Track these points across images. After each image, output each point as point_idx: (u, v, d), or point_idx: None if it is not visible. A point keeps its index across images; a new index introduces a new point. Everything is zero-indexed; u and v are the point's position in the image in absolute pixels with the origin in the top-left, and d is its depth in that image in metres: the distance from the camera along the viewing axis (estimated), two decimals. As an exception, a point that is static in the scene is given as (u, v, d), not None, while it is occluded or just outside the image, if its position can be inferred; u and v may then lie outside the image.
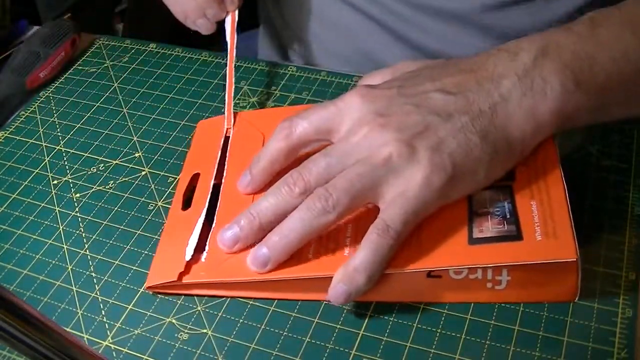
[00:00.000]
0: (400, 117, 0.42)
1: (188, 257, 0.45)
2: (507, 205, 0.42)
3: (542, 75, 0.42)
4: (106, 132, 0.57)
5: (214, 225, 0.46)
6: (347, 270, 0.40)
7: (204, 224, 0.47)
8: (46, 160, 0.56)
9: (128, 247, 0.48)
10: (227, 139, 0.53)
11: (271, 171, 0.46)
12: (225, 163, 0.50)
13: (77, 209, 0.51)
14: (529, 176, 0.43)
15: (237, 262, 0.44)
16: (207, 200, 0.48)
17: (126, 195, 0.52)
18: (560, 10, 0.57)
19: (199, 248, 0.45)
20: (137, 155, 0.55)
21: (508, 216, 0.42)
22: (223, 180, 0.49)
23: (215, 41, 0.84)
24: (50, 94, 0.62)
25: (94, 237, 0.49)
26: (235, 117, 0.54)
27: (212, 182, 0.49)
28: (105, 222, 0.50)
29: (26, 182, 0.54)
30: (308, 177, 0.42)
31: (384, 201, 0.41)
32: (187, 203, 0.49)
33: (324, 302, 0.43)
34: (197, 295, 0.45)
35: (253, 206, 0.43)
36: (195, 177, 0.51)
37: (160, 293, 0.45)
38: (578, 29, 0.44)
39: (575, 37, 0.44)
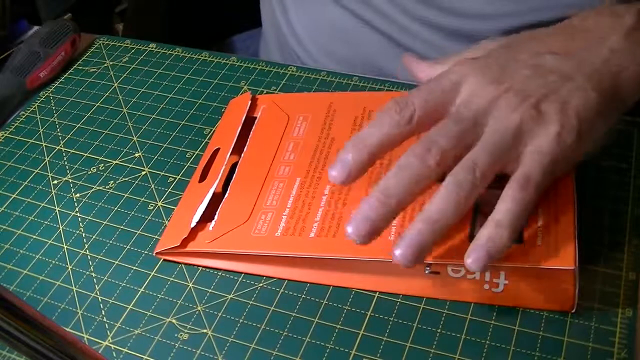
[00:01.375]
0: (521, 82, 0.42)
1: (193, 224, 0.46)
2: None
3: None
4: (106, 132, 0.57)
5: (226, 196, 0.48)
6: (486, 230, 0.38)
7: (218, 195, 0.48)
8: (46, 160, 0.56)
9: (128, 247, 0.48)
10: (252, 118, 0.54)
11: (375, 160, 0.41)
12: (248, 140, 0.52)
13: (77, 209, 0.51)
14: None
15: (243, 232, 0.45)
16: (221, 172, 0.49)
17: (126, 195, 0.52)
18: None
19: (209, 217, 0.47)
20: (137, 155, 0.55)
21: None
22: (242, 156, 0.51)
23: (215, 41, 0.84)
24: (50, 94, 0.62)
25: (94, 237, 0.49)
26: (263, 99, 0.56)
27: (228, 155, 0.51)
28: (105, 222, 0.50)
29: (26, 182, 0.54)
30: (443, 145, 0.39)
31: (518, 162, 0.40)
32: (204, 176, 0.51)
33: (329, 285, 0.44)
34: (203, 267, 0.46)
35: (380, 187, 0.39)
36: (215, 152, 0.52)
37: (168, 260, 0.47)
38: None
39: None
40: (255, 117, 0.54)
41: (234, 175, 0.50)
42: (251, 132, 0.53)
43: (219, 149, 0.52)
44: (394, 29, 0.61)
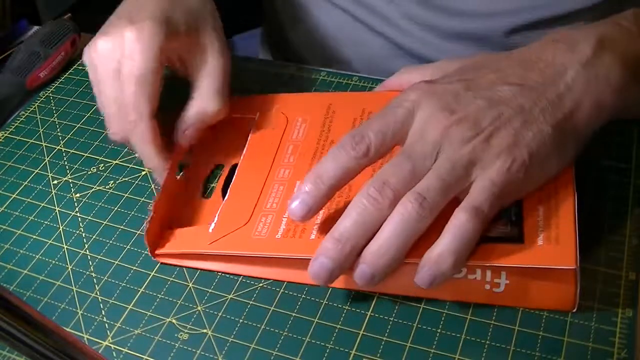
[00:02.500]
0: (475, 112, 0.42)
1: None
2: (514, 207, 0.42)
3: (605, 65, 0.43)
4: (106, 132, 0.57)
5: (225, 198, 0.48)
6: (432, 256, 0.39)
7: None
8: (46, 160, 0.56)
9: (128, 247, 0.48)
10: (250, 119, 0.54)
11: (334, 193, 0.43)
12: (247, 143, 0.52)
13: (77, 209, 0.51)
14: None
15: (244, 234, 0.45)
16: (224, 178, 0.51)
17: (126, 195, 0.52)
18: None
19: (208, 219, 0.47)
20: (137, 155, 0.55)
21: (513, 219, 0.42)
22: (242, 159, 0.51)
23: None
24: (50, 94, 0.62)
25: (94, 237, 0.49)
26: (262, 99, 0.55)
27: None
28: (105, 222, 0.50)
29: (26, 182, 0.54)
30: (395, 185, 0.40)
31: (468, 192, 0.41)
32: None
33: (331, 289, 0.43)
34: (202, 269, 0.46)
35: (336, 229, 0.40)
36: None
37: (165, 263, 0.47)
38: (627, 25, 0.45)
39: (626, 33, 0.45)
40: (254, 118, 0.54)
41: (234, 178, 0.50)
42: (250, 135, 0.53)
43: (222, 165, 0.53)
44: (394, 32, 0.61)
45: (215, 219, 0.47)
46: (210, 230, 0.46)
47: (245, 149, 0.52)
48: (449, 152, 0.41)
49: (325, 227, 0.44)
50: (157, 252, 0.47)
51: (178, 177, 0.51)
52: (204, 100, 0.50)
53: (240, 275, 0.46)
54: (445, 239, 0.39)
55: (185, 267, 0.46)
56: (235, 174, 0.50)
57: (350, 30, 0.63)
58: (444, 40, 0.59)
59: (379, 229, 0.40)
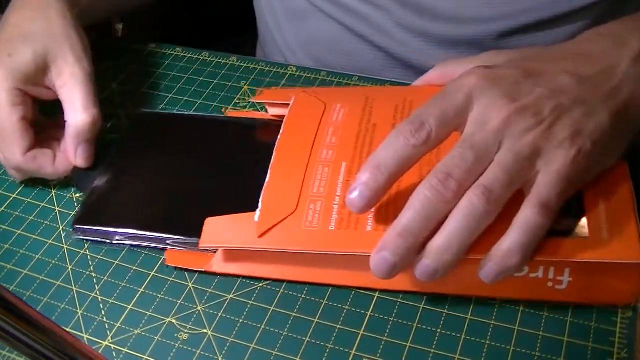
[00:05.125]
0: (536, 101, 0.41)
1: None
2: (575, 200, 0.41)
3: None
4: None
5: (267, 180, 0.46)
6: (499, 251, 0.38)
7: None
8: (46, 160, 0.56)
9: (128, 247, 0.48)
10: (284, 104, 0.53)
11: (394, 183, 0.41)
12: (283, 123, 0.50)
13: (77, 209, 0.51)
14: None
15: (294, 225, 0.43)
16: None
17: (126, 195, 0.52)
18: (574, 29, 0.57)
19: (248, 204, 0.45)
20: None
21: (576, 212, 0.41)
22: (278, 138, 0.49)
23: (215, 41, 0.84)
24: (50, 94, 0.62)
25: (94, 237, 0.49)
26: (296, 91, 0.54)
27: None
28: (105, 222, 0.50)
29: (26, 182, 0.54)
30: (460, 177, 0.39)
31: (532, 184, 0.40)
32: None
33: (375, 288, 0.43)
34: (247, 277, 0.45)
35: (399, 223, 0.39)
36: None
37: (204, 271, 0.46)
38: None
39: None
40: (288, 104, 0.53)
41: (272, 158, 0.48)
42: (285, 117, 0.51)
43: None
44: (387, 41, 0.61)
45: (260, 205, 0.45)
46: (256, 219, 0.44)
47: (281, 129, 0.50)
48: (511, 143, 0.40)
49: (381, 217, 0.42)
50: (201, 245, 0.44)
51: None
52: (76, 116, 0.50)
53: (289, 280, 0.44)
54: (514, 234, 0.38)
55: (232, 274, 0.45)
56: (274, 154, 0.48)
57: (344, 41, 0.63)
58: (437, 48, 0.59)
59: (441, 221, 0.39)
